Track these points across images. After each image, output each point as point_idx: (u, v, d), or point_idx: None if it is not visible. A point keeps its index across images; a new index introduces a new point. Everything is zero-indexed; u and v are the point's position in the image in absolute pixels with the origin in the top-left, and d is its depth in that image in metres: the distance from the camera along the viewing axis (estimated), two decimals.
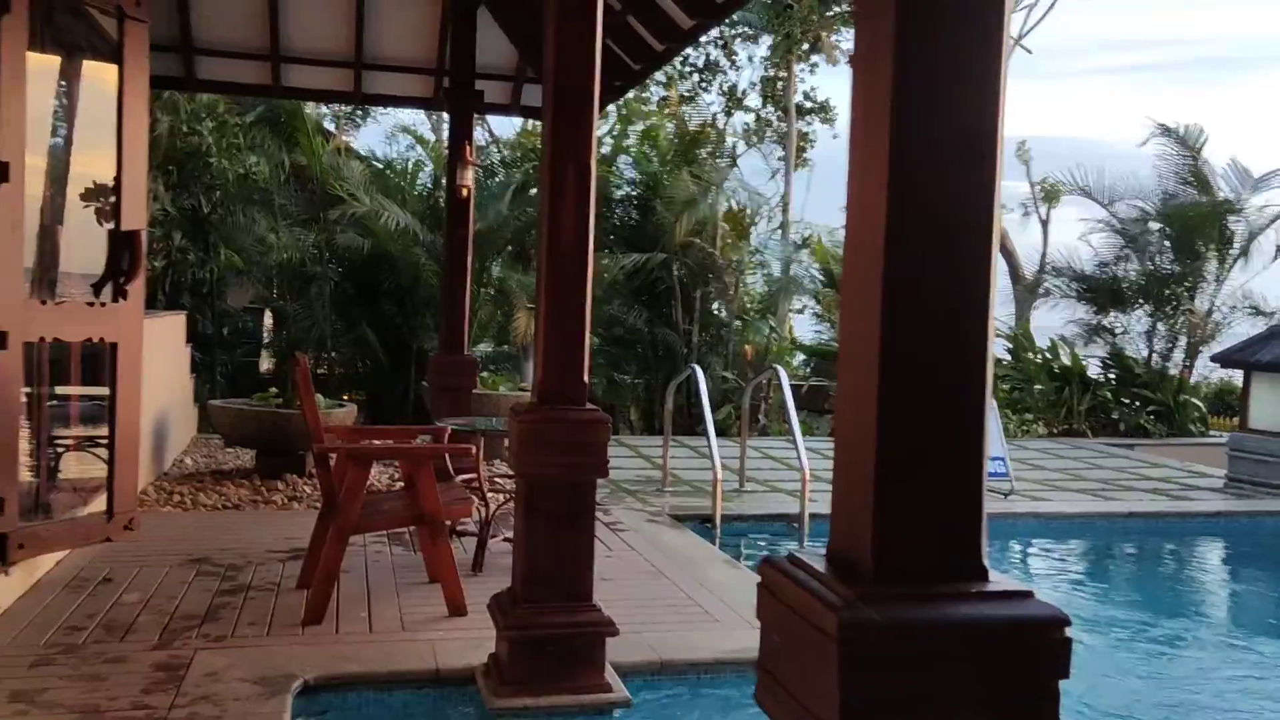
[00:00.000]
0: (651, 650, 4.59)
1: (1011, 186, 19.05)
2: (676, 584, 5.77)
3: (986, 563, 1.61)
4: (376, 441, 5.91)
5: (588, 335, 4.18)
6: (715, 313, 16.00)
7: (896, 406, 1.57)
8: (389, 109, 16.23)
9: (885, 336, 1.56)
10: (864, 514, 1.59)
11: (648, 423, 14.87)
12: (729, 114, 20.05)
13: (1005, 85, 1.60)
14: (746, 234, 16.08)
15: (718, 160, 17.86)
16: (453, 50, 8.27)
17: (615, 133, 16.99)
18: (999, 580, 1.60)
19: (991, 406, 6.91)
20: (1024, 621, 1.55)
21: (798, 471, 7.61)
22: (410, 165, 15.75)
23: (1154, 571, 8.66)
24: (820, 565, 1.66)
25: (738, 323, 15.73)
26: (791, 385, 13.49)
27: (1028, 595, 1.58)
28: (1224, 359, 10.98)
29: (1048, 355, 15.27)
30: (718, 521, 7.65)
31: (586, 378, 4.17)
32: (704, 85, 19.98)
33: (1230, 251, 14.71)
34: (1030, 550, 8.59)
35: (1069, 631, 1.54)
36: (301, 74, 8.69)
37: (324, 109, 18.16)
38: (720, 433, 12.46)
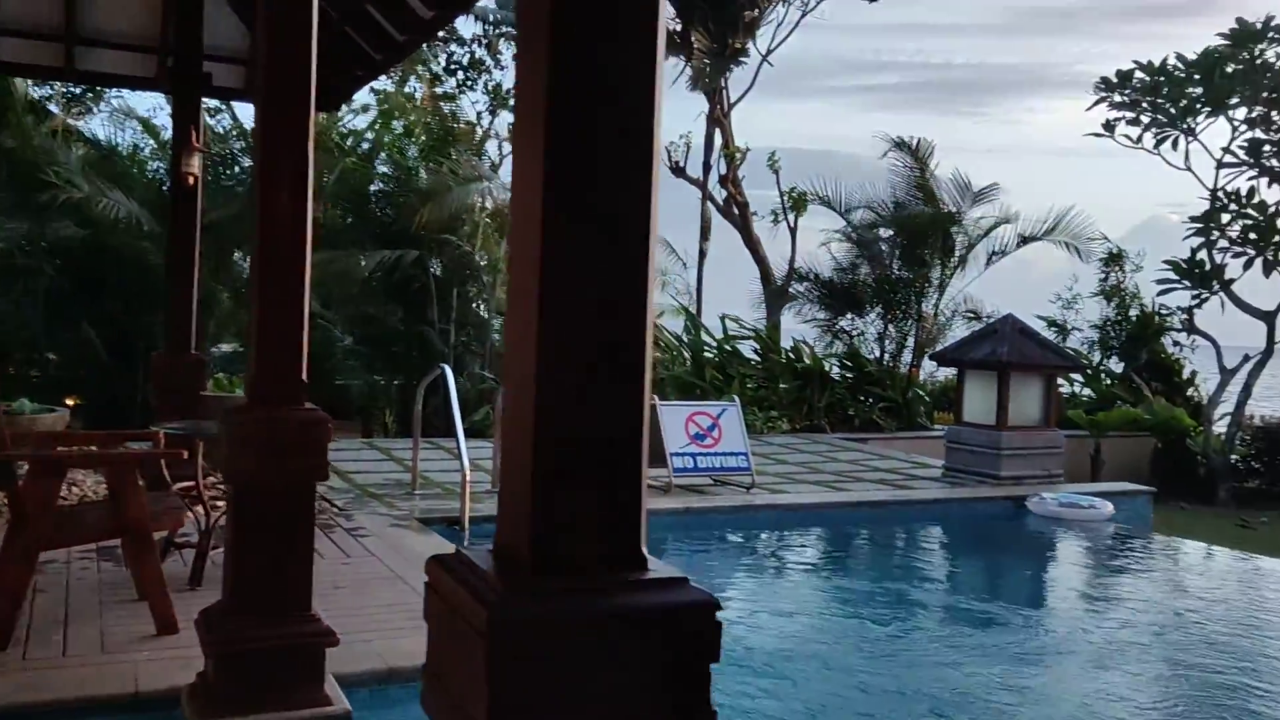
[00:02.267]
0: (380, 658, 4.45)
1: (763, 195, 19.93)
2: (415, 588, 5.62)
3: (645, 551, 1.63)
4: (85, 448, 5.44)
5: (306, 331, 3.99)
6: (476, 311, 15.85)
7: (555, 401, 1.56)
8: (121, 90, 15.08)
9: (543, 334, 1.55)
10: (524, 507, 1.57)
11: (404, 425, 14.52)
12: (494, 113, 19.94)
13: (660, 101, 1.61)
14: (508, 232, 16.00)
15: (479, 158, 17.69)
16: (177, 28, 7.75)
17: (376, 127, 16.53)
18: (657, 568, 1.62)
19: (735, 403, 7.12)
20: (678, 607, 1.57)
21: None
22: (137, 150, 14.66)
23: (878, 557, 9.26)
24: (484, 561, 1.63)
25: (498, 321, 15.63)
26: None
27: (682, 582, 1.60)
28: (941, 358, 11.89)
29: (791, 355, 16.06)
30: (466, 524, 7.52)
31: (305, 376, 3.98)
32: (469, 84, 19.77)
33: (952, 259, 15.98)
34: (769, 540, 8.98)
35: (719, 615, 1.58)
36: (1, 46, 7.91)
37: (49, 88, 16.67)
38: (478, 433, 12.33)
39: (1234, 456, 15.84)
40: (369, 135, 16.52)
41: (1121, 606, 7.87)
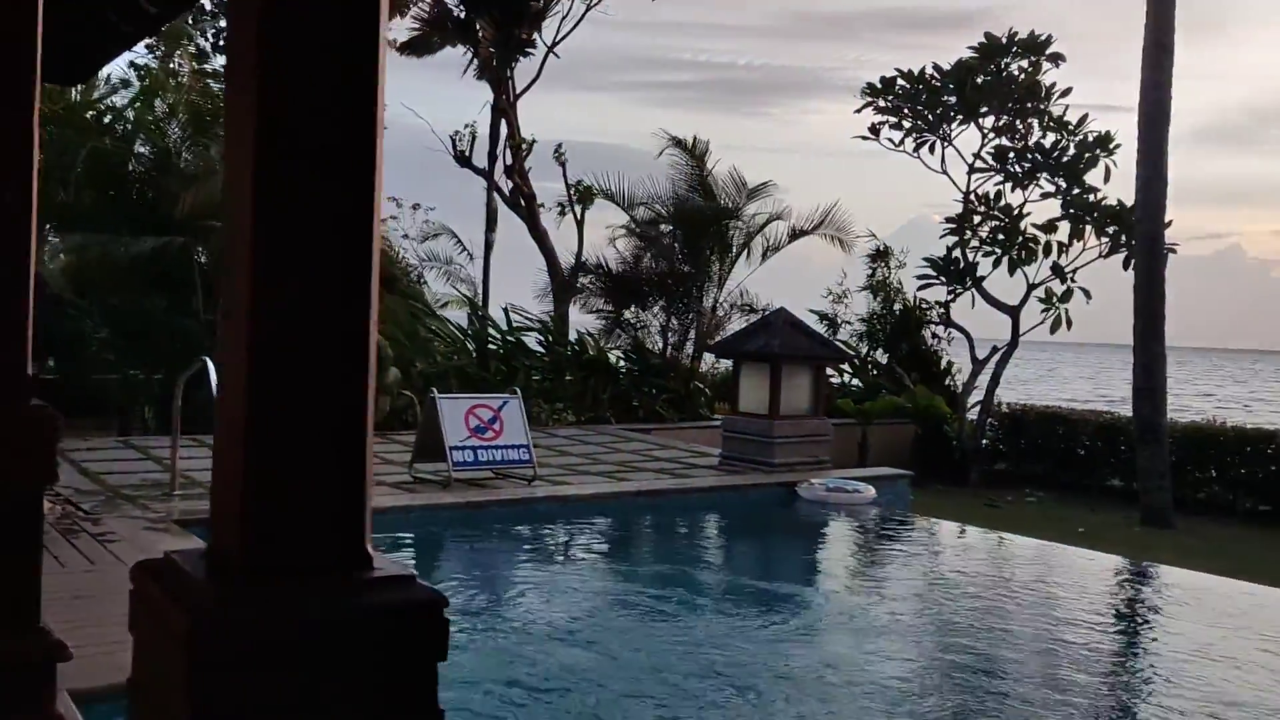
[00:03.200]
0: (121, 671, 4.13)
1: (551, 187, 19.93)
2: None
3: (370, 550, 1.56)
4: None
5: (31, 320, 3.64)
6: None
7: (269, 395, 1.47)
8: None
9: (255, 323, 1.45)
10: (236, 507, 1.47)
11: (165, 422, 13.63)
12: None
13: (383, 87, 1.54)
14: None
15: None
16: None
17: (137, 105, 15.43)
18: (382, 567, 1.56)
19: (517, 396, 7.02)
20: (403, 607, 1.51)
21: None
22: None
23: (656, 544, 9.45)
24: (196, 566, 1.52)
25: None
26: None
27: (408, 580, 1.55)
28: (718, 349, 12.27)
29: (576, 347, 16.16)
30: None
31: (30, 369, 3.64)
32: None
33: (730, 254, 16.51)
34: (550, 531, 8.99)
35: (446, 613, 1.54)
36: None
37: None
38: None
39: (984, 441, 17.12)
40: (129, 113, 15.41)
41: (882, 582, 8.35)
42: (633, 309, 17.06)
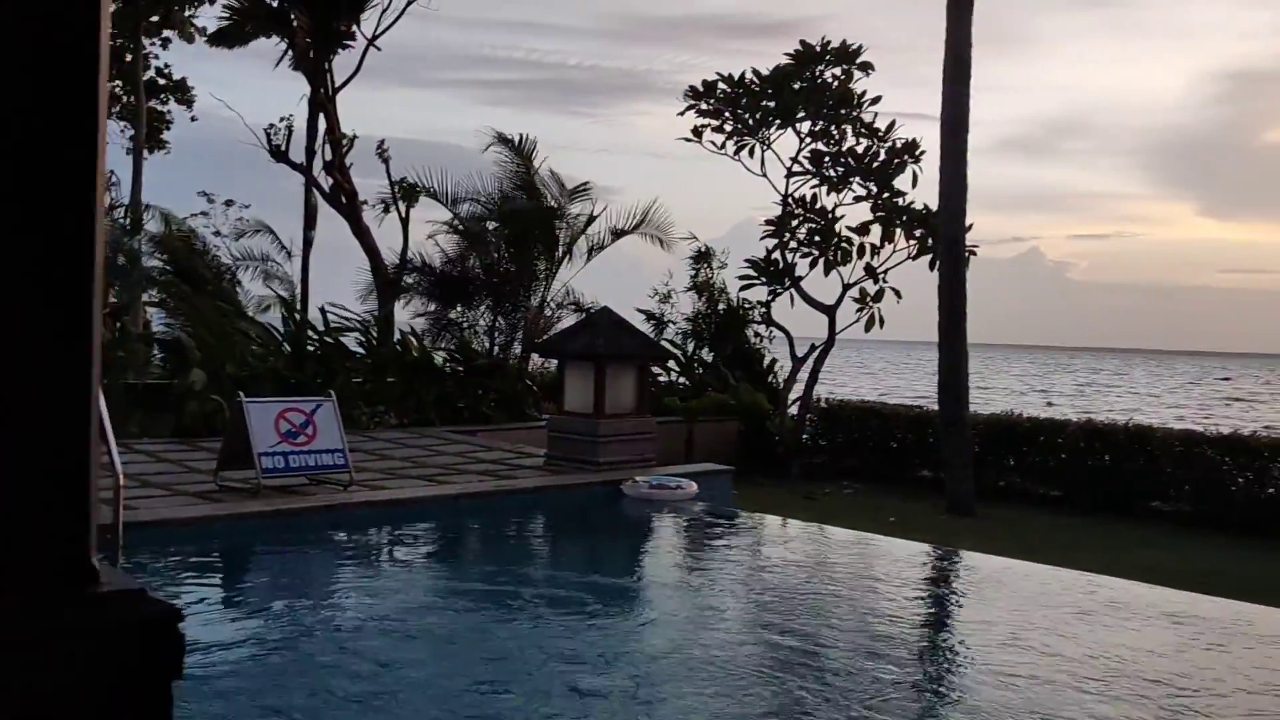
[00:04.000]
0: None
1: (374, 184, 19.43)
2: None
3: (96, 563, 1.44)
4: None
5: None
6: None
7: None
8: None
9: None
10: None
11: None
12: None
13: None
14: None
15: None
16: None
17: None
18: (111, 581, 1.44)
19: (331, 398, 6.73)
20: (132, 623, 1.41)
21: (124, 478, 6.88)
22: None
23: (477, 547, 9.33)
24: None
25: None
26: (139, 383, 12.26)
27: (138, 594, 1.44)
28: (542, 349, 12.22)
29: (399, 348, 15.80)
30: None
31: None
32: None
33: (557, 253, 16.49)
34: (366, 537, 8.75)
35: (181, 628, 1.44)
36: None
37: None
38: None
39: (804, 436, 17.69)
40: None
41: (703, 575, 8.49)
42: (459, 309, 16.82)
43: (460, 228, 16.63)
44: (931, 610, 8.12)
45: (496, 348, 16.66)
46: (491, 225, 16.63)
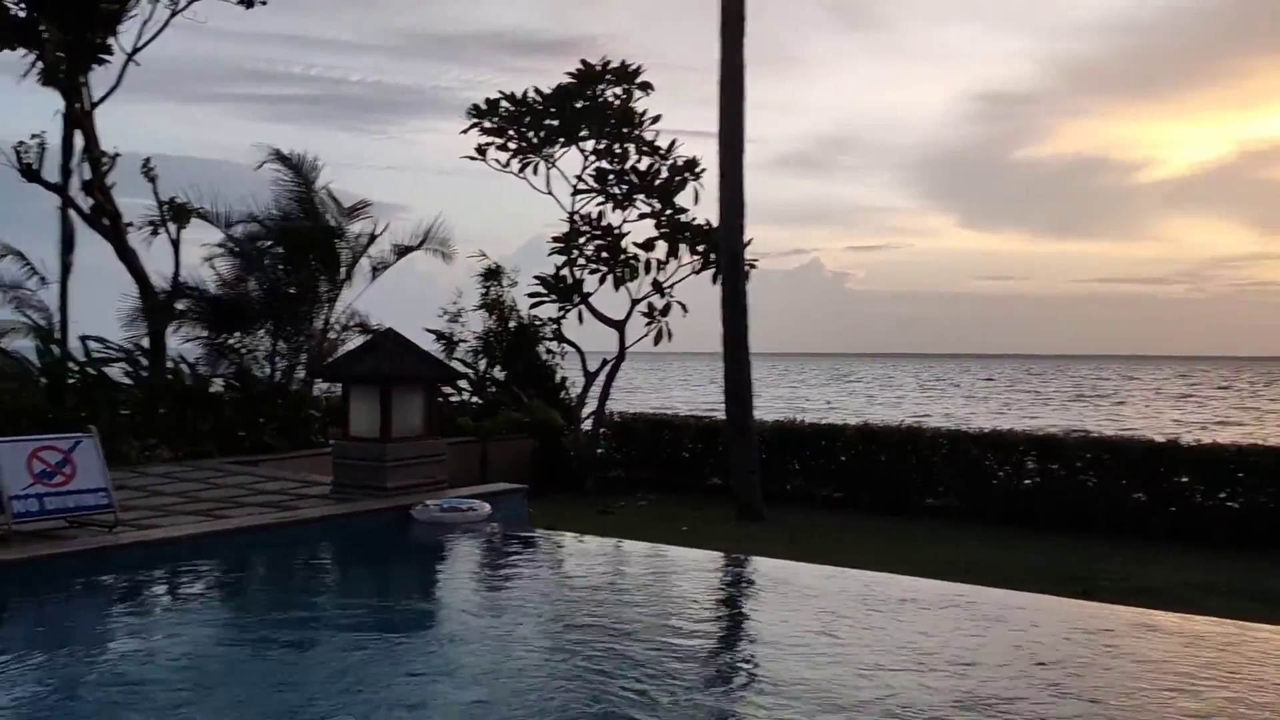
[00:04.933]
0: None
1: (141, 204, 18.22)
2: None
3: None
4: None
5: None
6: None
7: None
8: None
9: None
10: None
11: None
12: None
13: None
14: None
15: None
16: None
17: None
18: None
19: (91, 434, 6.26)
20: None
21: None
22: None
23: (258, 584, 8.90)
24: None
25: None
26: None
27: None
28: (324, 373, 11.81)
29: (171, 377, 14.91)
30: None
31: None
32: None
33: (339, 273, 16.00)
34: (139, 580, 8.19)
35: None
36: None
37: None
38: None
39: (599, 450, 17.86)
40: None
41: (498, 595, 8.40)
42: (237, 334, 16.03)
43: (236, 250, 15.88)
44: (724, 616, 8.34)
45: (278, 373, 15.98)
46: (269, 246, 15.95)
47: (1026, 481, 14.94)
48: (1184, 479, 13.65)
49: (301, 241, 15.54)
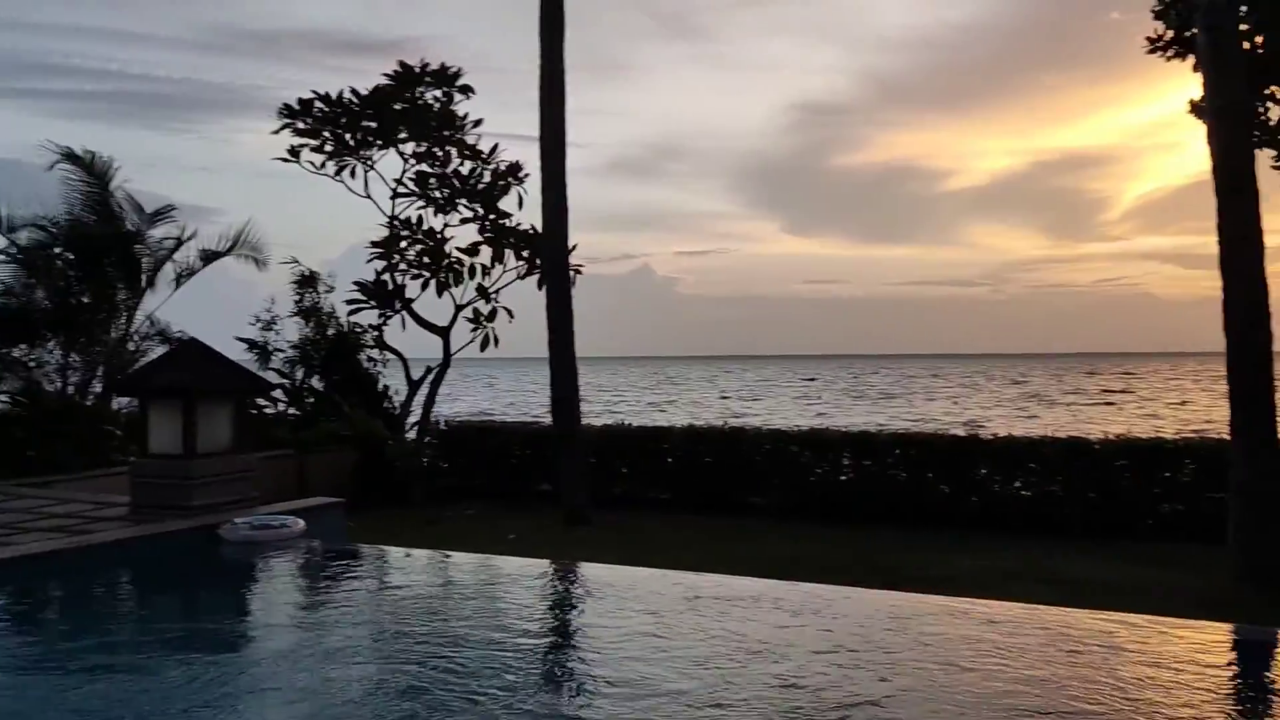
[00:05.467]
0: None
1: None
2: None
3: None
4: None
5: None
6: None
7: None
8: None
9: None
10: None
11: None
12: None
13: None
14: None
15: None
16: None
17: None
18: None
19: None
20: None
21: None
22: None
23: (44, 616, 8.26)
24: None
25: None
26: None
27: None
28: (120, 386, 11.09)
29: None
30: None
31: None
32: None
33: (139, 281, 15.07)
34: None
35: None
36: None
37: None
38: None
39: (425, 460, 17.47)
40: None
41: (311, 614, 8.06)
42: (22, 346, 14.87)
43: (20, 256, 14.72)
44: (553, 621, 8.25)
45: (71, 388, 14.92)
46: (60, 252, 14.87)
47: (843, 477, 15.48)
48: (984, 471, 14.44)
49: (95, 247, 14.55)
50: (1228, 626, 7.55)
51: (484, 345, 17.62)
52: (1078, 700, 5.35)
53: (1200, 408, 52.96)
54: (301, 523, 9.81)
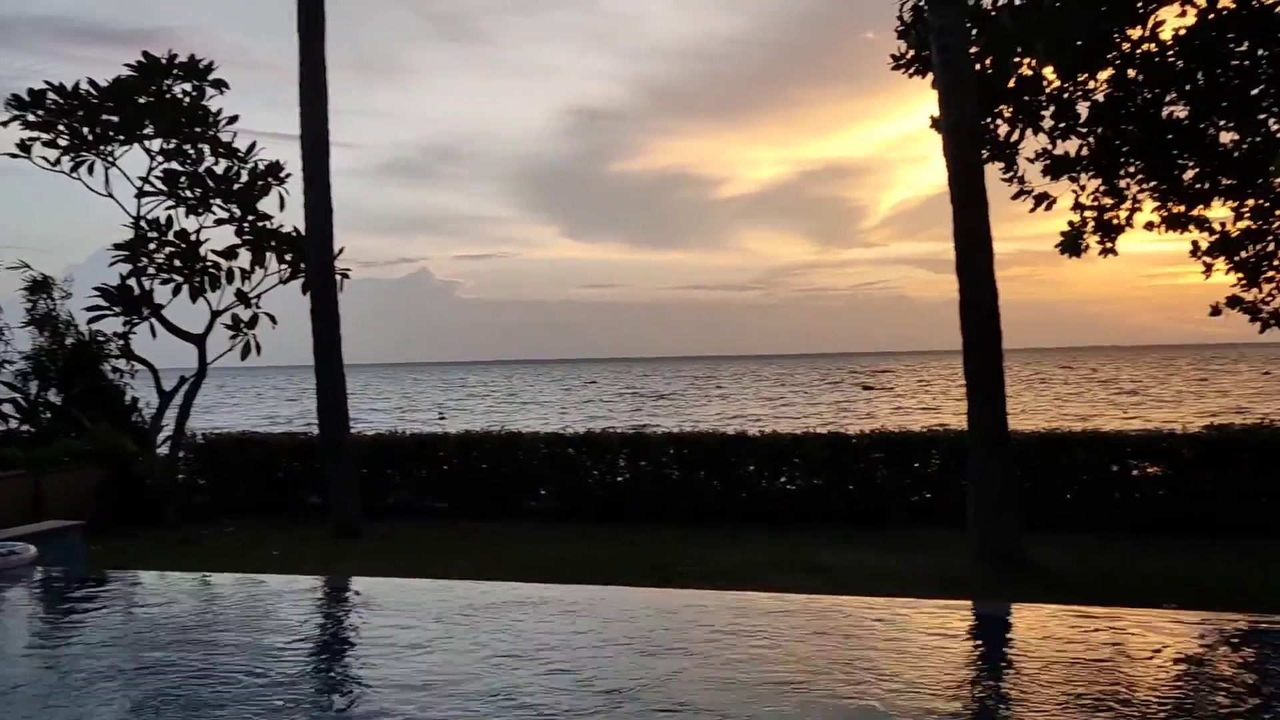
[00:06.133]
0: None
1: None
2: None
3: None
4: None
5: None
6: None
7: None
8: None
9: None
10: None
11: None
12: None
13: None
14: None
15: None
16: None
17: None
18: None
19: None
20: None
21: None
22: None
23: None
24: None
25: None
26: None
27: None
28: None
29: None
30: None
31: None
32: None
33: None
34: None
35: None
36: None
37: None
38: None
39: (180, 476, 16.40)
40: None
41: (46, 653, 7.36)
42: None
43: None
44: (320, 639, 7.88)
45: None
46: None
47: (620, 479, 15.68)
48: (751, 467, 14.99)
49: None
50: (966, 603, 8.14)
51: (245, 353, 16.74)
52: (836, 681, 5.62)
53: (954, 401, 57.14)
54: (33, 549, 8.93)
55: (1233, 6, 12.69)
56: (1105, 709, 5.11)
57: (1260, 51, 12.63)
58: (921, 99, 12.43)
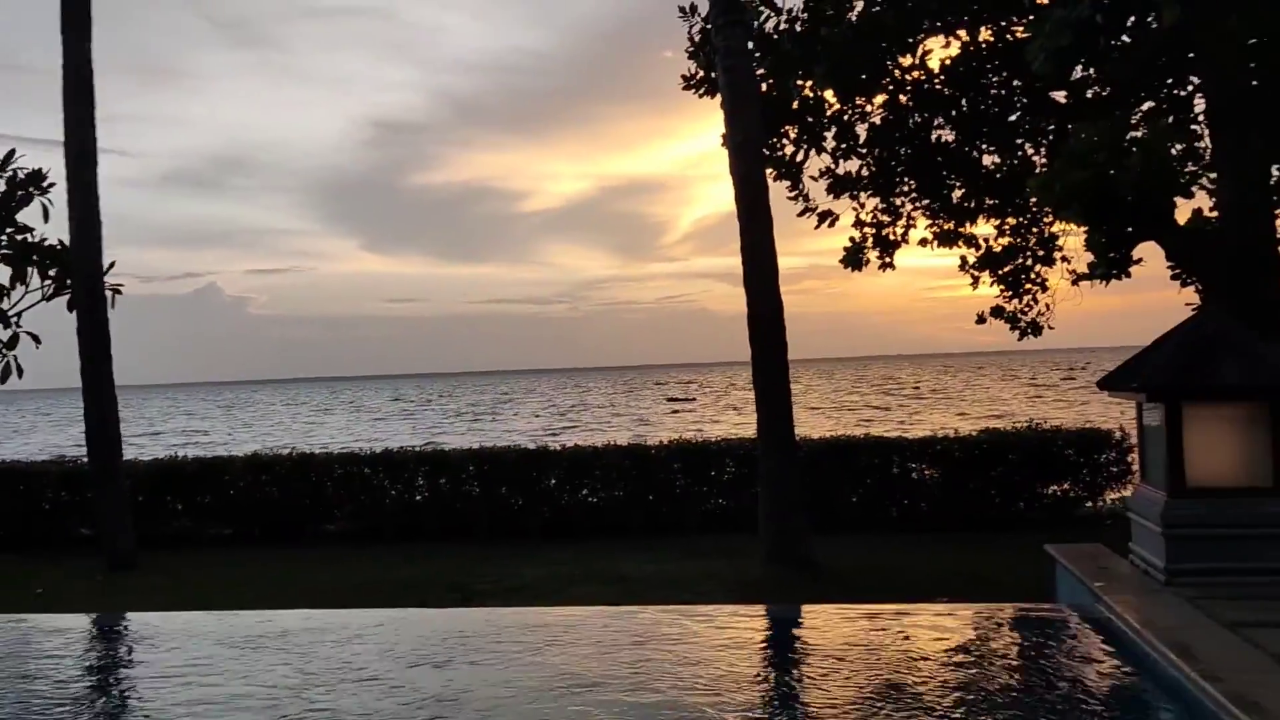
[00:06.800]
0: None
1: None
2: None
3: None
4: None
5: None
6: None
7: None
8: None
9: None
10: None
11: None
12: None
13: None
14: None
15: None
16: None
17: None
18: None
19: None
20: None
21: None
22: None
23: None
24: None
25: None
26: None
27: None
28: None
29: None
30: None
31: None
32: None
33: None
34: None
35: None
36: None
37: None
38: None
39: None
40: None
41: None
42: None
43: None
44: (84, 685, 7.34)
45: None
46: None
47: (419, 497, 15.34)
48: (553, 481, 14.98)
49: None
50: (759, 607, 8.47)
51: (5, 375, 15.41)
52: (627, 684, 5.69)
53: (749, 410, 59.00)
54: None
55: (990, 40, 13.69)
56: (889, 699, 5.40)
57: (1015, 82, 13.66)
58: (716, 118, 12.81)
